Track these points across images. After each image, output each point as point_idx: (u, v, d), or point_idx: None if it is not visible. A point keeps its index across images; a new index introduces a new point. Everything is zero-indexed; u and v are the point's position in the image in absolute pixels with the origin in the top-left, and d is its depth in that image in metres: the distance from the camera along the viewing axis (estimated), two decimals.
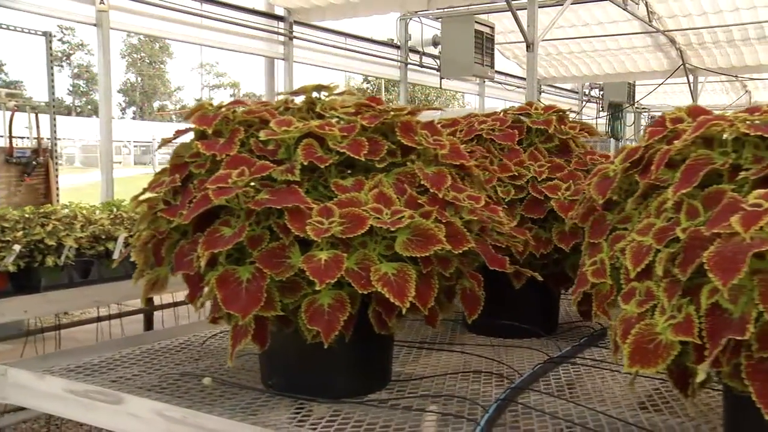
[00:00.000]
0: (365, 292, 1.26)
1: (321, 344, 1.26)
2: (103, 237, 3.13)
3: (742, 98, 14.45)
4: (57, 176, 5.73)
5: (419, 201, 1.41)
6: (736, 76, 12.29)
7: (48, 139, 5.75)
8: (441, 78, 9.14)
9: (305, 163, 1.39)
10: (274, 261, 1.29)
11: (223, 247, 1.29)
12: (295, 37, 8.08)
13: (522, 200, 1.87)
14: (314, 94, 1.63)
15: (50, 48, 5.87)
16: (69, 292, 3.01)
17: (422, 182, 1.46)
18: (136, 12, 6.40)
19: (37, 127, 5.63)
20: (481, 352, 1.83)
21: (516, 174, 1.90)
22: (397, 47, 9.66)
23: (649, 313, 1.03)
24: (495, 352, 1.84)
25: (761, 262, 0.88)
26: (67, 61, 44.92)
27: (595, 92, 14.30)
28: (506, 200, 1.86)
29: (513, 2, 6.82)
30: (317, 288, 1.24)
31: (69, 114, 40.60)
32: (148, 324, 4.37)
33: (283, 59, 8.07)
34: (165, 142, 1.65)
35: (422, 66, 9.82)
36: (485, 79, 10.65)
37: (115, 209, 3.43)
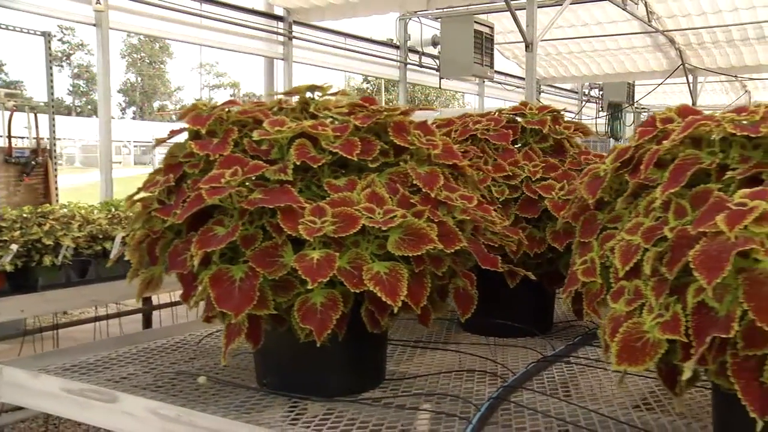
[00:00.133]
0: (358, 291, 1.27)
1: (314, 343, 1.27)
2: (101, 237, 3.14)
3: (741, 98, 14.45)
4: (56, 176, 5.74)
5: (411, 200, 1.42)
6: (736, 76, 12.30)
7: (47, 139, 5.77)
8: (440, 78, 9.16)
9: (298, 163, 1.39)
10: (267, 260, 1.30)
11: (216, 246, 1.30)
12: (294, 37, 8.10)
13: (516, 200, 1.88)
14: (308, 95, 1.64)
15: (49, 48, 5.88)
16: (66, 291, 3.02)
17: (415, 182, 1.46)
18: (136, 12, 6.42)
19: (36, 127, 5.65)
20: (475, 351, 1.84)
21: (510, 174, 1.91)
22: (397, 47, 9.67)
23: (638, 311, 1.04)
24: (489, 351, 1.85)
25: (745, 261, 0.89)
26: (67, 61, 44.94)
27: (594, 92, 14.31)
28: (500, 200, 1.87)
29: (512, 2, 6.83)
30: (310, 287, 1.24)
31: (69, 114, 40.63)
32: (147, 323, 4.39)
33: (282, 59, 8.09)
34: (159, 141, 1.66)
35: (422, 66, 9.83)
36: (485, 79, 10.67)
37: (113, 209, 3.45)
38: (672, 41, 10.90)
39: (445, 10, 8.66)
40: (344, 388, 1.48)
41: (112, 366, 1.74)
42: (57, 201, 5.54)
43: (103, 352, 1.85)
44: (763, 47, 10.72)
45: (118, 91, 48.85)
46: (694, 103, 11.85)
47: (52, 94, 5.92)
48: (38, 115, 5.73)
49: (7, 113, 5.52)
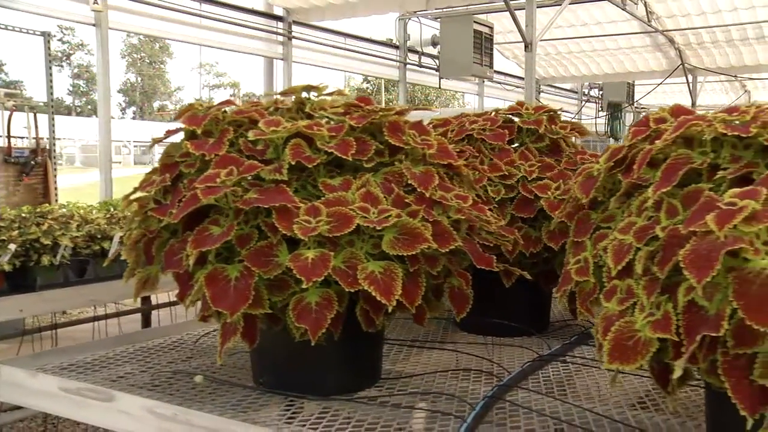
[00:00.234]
0: (352, 291, 1.28)
1: (310, 342, 1.27)
2: (99, 236, 3.15)
3: (741, 98, 14.45)
4: (55, 176, 5.74)
5: (406, 200, 1.42)
6: (735, 76, 12.30)
7: (46, 139, 5.77)
8: (440, 78, 9.16)
9: (293, 163, 1.40)
10: (262, 259, 1.31)
11: (211, 246, 1.30)
12: (294, 37, 8.10)
13: (512, 199, 1.89)
14: (304, 95, 1.64)
15: (49, 48, 5.89)
16: (64, 291, 3.02)
17: (410, 182, 1.47)
18: (136, 12, 6.42)
19: (36, 127, 5.66)
20: (471, 350, 1.84)
21: (506, 173, 1.91)
22: (396, 47, 9.68)
23: (630, 310, 1.04)
24: (486, 350, 1.85)
25: (735, 260, 0.89)
26: (67, 61, 44.95)
27: (594, 92, 14.30)
28: (497, 200, 1.88)
29: (511, 2, 6.84)
30: (304, 286, 1.25)
31: (69, 114, 40.64)
32: (146, 323, 4.39)
33: (282, 59, 8.09)
34: (155, 141, 1.67)
35: (421, 66, 9.83)
36: (484, 79, 10.67)
37: (112, 209, 3.45)
38: (671, 41, 10.91)
39: (444, 10, 8.66)
40: (340, 387, 1.49)
41: (110, 365, 1.74)
42: (56, 201, 5.54)
43: (100, 351, 1.86)
44: (762, 47, 10.72)
45: (118, 91, 48.91)
46: (693, 103, 11.87)
47: (52, 94, 5.93)
48: (38, 114, 5.74)
49: (7, 113, 5.53)
